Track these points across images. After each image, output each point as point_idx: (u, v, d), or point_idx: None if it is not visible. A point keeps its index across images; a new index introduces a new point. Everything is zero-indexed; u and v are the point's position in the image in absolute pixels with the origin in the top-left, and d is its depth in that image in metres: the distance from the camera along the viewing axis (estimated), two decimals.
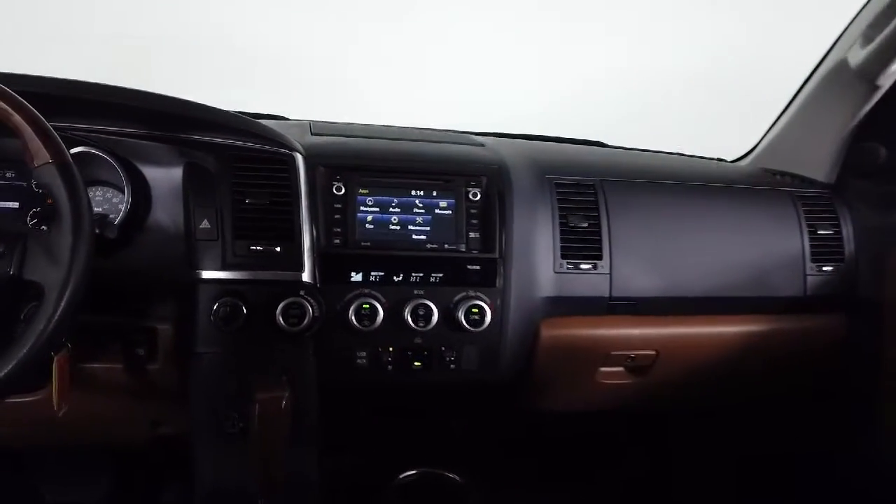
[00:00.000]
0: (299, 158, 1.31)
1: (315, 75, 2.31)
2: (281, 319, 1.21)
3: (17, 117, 0.97)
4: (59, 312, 0.93)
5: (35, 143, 0.97)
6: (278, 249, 1.26)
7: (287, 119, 1.75)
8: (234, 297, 1.21)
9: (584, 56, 2.55)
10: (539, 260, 1.39)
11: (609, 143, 1.94)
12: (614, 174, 1.51)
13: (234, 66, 2.29)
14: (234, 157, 1.28)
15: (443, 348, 1.33)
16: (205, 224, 1.25)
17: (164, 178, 1.27)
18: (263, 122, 1.67)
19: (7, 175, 1.25)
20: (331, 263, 1.28)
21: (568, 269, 1.40)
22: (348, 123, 1.67)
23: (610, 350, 1.47)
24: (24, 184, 1.25)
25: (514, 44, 2.52)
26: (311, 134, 1.47)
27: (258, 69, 2.32)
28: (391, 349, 1.31)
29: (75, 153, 1.24)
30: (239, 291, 1.22)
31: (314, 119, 1.75)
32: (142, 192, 1.26)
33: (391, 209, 1.34)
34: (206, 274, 1.23)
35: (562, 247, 1.40)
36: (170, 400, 1.31)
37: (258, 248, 1.25)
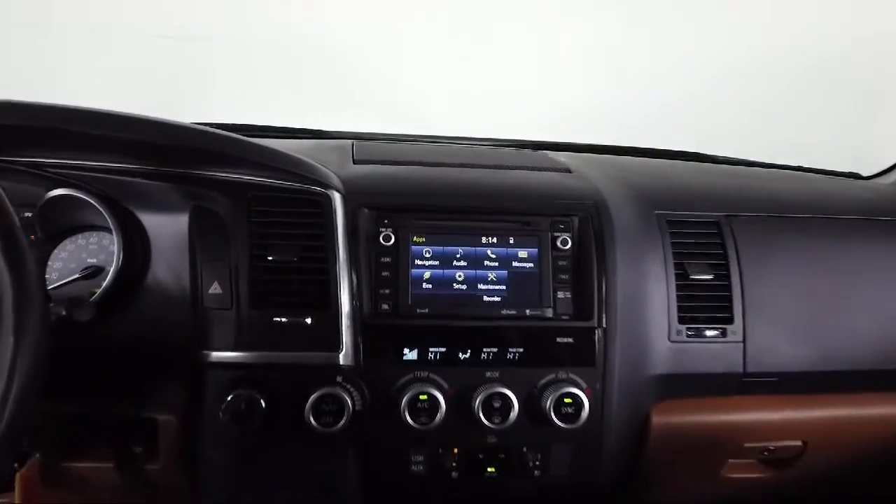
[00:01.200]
0: (337, 198, 1.01)
1: (356, 78, 2.02)
2: (312, 417, 0.91)
3: None
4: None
5: None
6: (309, 321, 0.96)
7: (327, 134, 1.47)
8: (251, 387, 0.92)
9: (647, 47, 2.17)
10: (650, 327, 1.05)
11: (708, 155, 1.59)
12: (742, 205, 1.16)
13: (270, 72, 2.03)
14: (253, 199, 0.99)
15: (524, 449, 1.01)
16: (215, 288, 0.96)
17: (166, 226, 0.99)
18: (300, 140, 1.41)
19: None
20: (377, 338, 0.98)
21: (688, 336, 1.06)
22: (396, 139, 1.36)
23: (742, 441, 1.12)
24: None
25: (567, 37, 2.16)
26: (354, 162, 1.18)
27: (297, 73, 2.05)
28: (456, 451, 0.99)
29: (54, 196, 0.98)
30: (257, 379, 0.94)
31: (357, 130, 1.46)
32: (138, 245, 0.99)
33: (455, 263, 1.03)
34: (217, 355, 0.94)
35: (679, 307, 1.06)
36: None
37: (283, 319, 0.96)
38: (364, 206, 1.02)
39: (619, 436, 1.03)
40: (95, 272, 1.03)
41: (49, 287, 1.01)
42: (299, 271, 0.97)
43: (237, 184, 1.00)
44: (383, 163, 1.16)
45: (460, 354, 0.99)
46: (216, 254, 0.97)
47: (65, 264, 1.04)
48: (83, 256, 1.04)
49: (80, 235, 1.05)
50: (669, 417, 1.08)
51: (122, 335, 0.97)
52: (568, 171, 1.22)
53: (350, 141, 1.34)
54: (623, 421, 1.03)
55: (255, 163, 0.99)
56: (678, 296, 1.06)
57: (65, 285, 1.01)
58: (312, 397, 0.91)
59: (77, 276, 1.01)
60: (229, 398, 0.91)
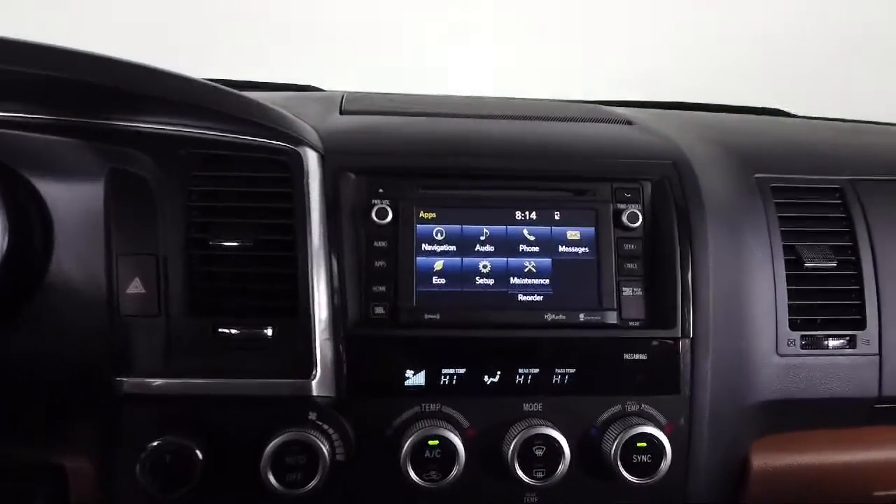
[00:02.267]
0: (311, 158, 0.71)
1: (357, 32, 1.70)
2: (271, 475, 0.63)
3: None
4: None
5: None
6: (269, 333, 0.68)
7: (321, 91, 1.17)
8: (184, 431, 0.64)
9: None
10: (752, 335, 0.74)
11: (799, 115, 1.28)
12: (871, 167, 0.85)
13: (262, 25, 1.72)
14: (191, 160, 0.71)
15: None
16: (136, 286, 0.68)
17: (74, 199, 0.71)
18: (285, 94, 1.12)
19: None
20: (367, 356, 0.69)
21: (803, 348, 0.76)
22: (396, 95, 1.06)
23: (871, 488, 0.82)
24: None
25: None
26: (341, 112, 0.88)
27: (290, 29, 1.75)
28: None
29: None
30: (193, 420, 0.65)
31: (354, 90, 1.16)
32: (35, 225, 0.71)
33: (479, 248, 0.73)
34: (136, 384, 0.66)
35: (791, 307, 0.76)
36: None
37: (232, 331, 0.67)
38: (350, 169, 0.73)
39: (709, 487, 0.74)
40: None
41: None
42: (256, 262, 0.69)
43: (169, 138, 0.70)
44: (380, 113, 0.87)
45: (486, 378, 0.70)
46: (139, 238, 0.69)
47: None
48: None
49: None
50: (775, 458, 0.78)
51: (12, 351, 0.70)
52: (629, 122, 0.91)
53: (342, 92, 1.04)
54: (714, 468, 0.74)
55: (194, 107, 0.70)
56: (789, 291, 0.76)
57: None
58: (272, 445, 0.63)
59: None
60: (151, 447, 0.63)
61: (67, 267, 0.71)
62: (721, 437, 0.73)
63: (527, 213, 0.74)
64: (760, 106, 1.29)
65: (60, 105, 0.70)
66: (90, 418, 0.71)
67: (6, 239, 0.68)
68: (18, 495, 0.72)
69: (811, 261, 0.77)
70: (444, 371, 0.69)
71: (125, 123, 0.71)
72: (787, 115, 1.27)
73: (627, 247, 0.74)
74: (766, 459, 0.78)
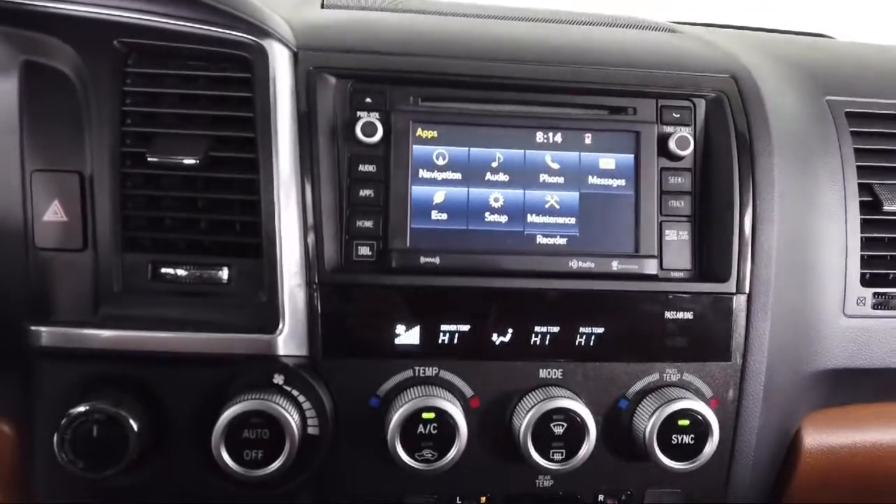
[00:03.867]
0: (279, 54, 0.56)
1: None
2: (224, 452, 0.51)
3: None
4: None
5: None
6: (224, 276, 0.54)
7: None
8: (114, 399, 0.51)
9: None
10: (817, 292, 0.61)
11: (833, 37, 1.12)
12: None
13: None
14: (127, 52, 0.55)
15: (600, 498, 0.60)
16: (55, 212, 0.54)
17: None
18: None
19: None
20: (348, 305, 0.55)
21: (874, 307, 0.63)
22: None
23: None
24: None
25: None
26: (323, 6, 0.72)
27: None
28: (483, 500, 0.59)
29: None
30: (127, 383, 0.52)
31: None
32: None
33: (489, 178, 0.59)
34: (54, 334, 0.53)
35: (864, 259, 0.63)
36: None
37: (177, 272, 0.54)
38: (329, 70, 0.57)
39: (756, 469, 0.62)
40: None
41: None
42: (208, 185, 0.54)
43: (96, 23, 0.55)
44: (370, 9, 0.71)
45: (494, 337, 0.57)
46: (59, 150, 0.54)
47: None
48: None
49: None
50: (830, 436, 0.66)
51: None
52: (672, 31, 0.75)
53: None
54: (764, 446, 0.62)
55: None
56: (863, 240, 0.63)
57: None
58: (226, 416, 0.50)
59: None
60: (72, 415, 0.50)
61: None
62: (773, 413, 0.61)
63: (550, 134, 0.59)
64: (804, 30, 1.14)
65: None
66: (4, 374, 0.58)
67: None
68: None
69: (891, 203, 0.64)
70: (444, 328, 0.56)
71: (41, 2, 0.55)
72: (828, 38, 1.11)
73: (674, 180, 0.60)
74: (820, 437, 0.66)
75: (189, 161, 0.53)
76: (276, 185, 0.53)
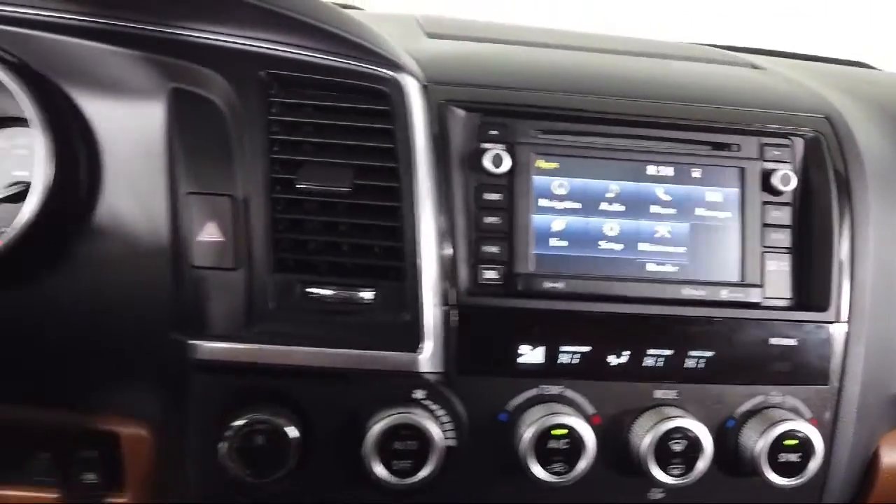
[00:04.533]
0: (413, 88, 0.60)
1: None
2: (377, 462, 0.54)
3: None
4: None
5: None
6: (368, 297, 0.58)
7: (362, 10, 1.02)
8: (271, 410, 0.54)
9: None
10: None
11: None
12: None
13: None
14: (273, 83, 0.59)
15: None
16: (209, 233, 0.57)
17: (128, 124, 0.59)
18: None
19: None
20: (479, 326, 0.58)
21: None
22: (475, 23, 0.91)
23: None
24: None
25: None
26: (427, 35, 0.75)
27: None
28: None
29: None
30: (282, 396, 0.56)
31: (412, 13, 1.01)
32: (80, 152, 0.59)
33: (604, 207, 0.63)
34: (209, 349, 0.57)
35: None
36: None
37: (324, 292, 0.57)
38: (458, 103, 0.61)
39: (842, 487, 0.67)
40: (24, 192, 0.64)
41: None
42: (353, 211, 0.58)
43: (246, 55, 0.58)
44: (477, 40, 0.74)
45: (611, 358, 0.61)
46: (212, 175, 0.57)
47: None
48: (4, 167, 0.65)
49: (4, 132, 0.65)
50: None
51: (54, 300, 0.59)
52: (753, 66, 0.80)
53: (412, 15, 0.91)
54: (852, 466, 0.66)
55: (276, 15, 0.57)
56: None
57: None
58: (378, 428, 0.54)
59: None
60: (237, 426, 0.53)
61: (119, 204, 0.59)
62: (863, 432, 0.65)
63: (661, 167, 0.63)
64: (844, 58, 1.19)
65: (115, 5, 0.57)
66: (149, 383, 0.60)
67: (54, 169, 0.56)
68: (68, 463, 0.62)
69: None
70: (564, 348, 0.59)
71: (191, 33, 0.58)
72: (873, 68, 1.16)
73: (775, 213, 0.64)
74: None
75: (338, 189, 0.56)
76: (416, 212, 0.57)
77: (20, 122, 0.62)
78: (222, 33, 0.58)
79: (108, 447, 0.63)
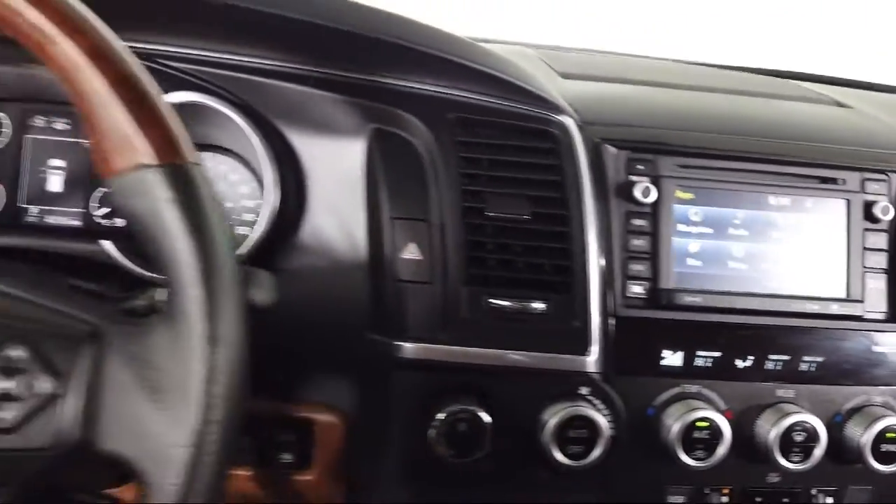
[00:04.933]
0: (572, 127, 0.70)
1: None
2: (556, 446, 0.65)
3: (67, 46, 0.40)
4: None
5: (121, 118, 0.40)
6: (541, 307, 0.68)
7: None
8: (467, 401, 0.65)
9: None
10: None
11: None
12: None
13: None
14: (459, 124, 0.69)
15: (813, 491, 0.75)
16: (411, 252, 0.67)
17: (331, 157, 0.69)
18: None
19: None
20: (630, 334, 0.69)
21: None
22: (592, 59, 1.01)
23: None
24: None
25: None
26: (560, 74, 0.85)
27: None
28: (727, 491, 0.73)
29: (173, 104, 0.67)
30: (474, 389, 0.66)
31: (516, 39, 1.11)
32: (290, 181, 0.69)
33: (732, 231, 0.73)
34: (412, 349, 0.67)
35: None
36: None
37: (503, 303, 0.68)
38: (611, 141, 0.72)
39: None
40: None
41: None
42: (531, 235, 0.68)
43: (437, 99, 0.68)
44: (607, 80, 0.84)
45: (738, 362, 0.71)
46: (411, 203, 0.67)
47: None
48: None
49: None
50: None
51: (268, 310, 0.69)
52: (839, 104, 0.90)
53: (528, 48, 1.01)
54: None
55: (465, 67, 0.68)
56: None
57: None
58: (558, 417, 0.64)
59: None
60: (444, 415, 0.63)
61: (322, 225, 0.70)
62: None
63: (780, 198, 0.74)
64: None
65: (327, 57, 0.67)
66: (344, 377, 0.71)
67: (278, 199, 0.66)
68: (266, 444, 0.73)
69: None
70: (700, 354, 0.70)
71: (393, 81, 0.68)
72: None
73: (873, 239, 0.74)
74: None
75: (520, 216, 0.66)
76: (585, 237, 0.67)
77: (217, 149, 0.73)
78: (419, 81, 0.68)
79: (303, 432, 0.74)
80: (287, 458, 0.74)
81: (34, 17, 0.39)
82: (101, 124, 0.40)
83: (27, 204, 0.72)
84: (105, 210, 0.73)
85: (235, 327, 0.41)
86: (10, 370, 0.38)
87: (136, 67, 0.41)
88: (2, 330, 0.39)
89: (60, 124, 0.73)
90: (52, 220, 0.73)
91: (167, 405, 0.39)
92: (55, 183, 0.73)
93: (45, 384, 0.38)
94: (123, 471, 0.40)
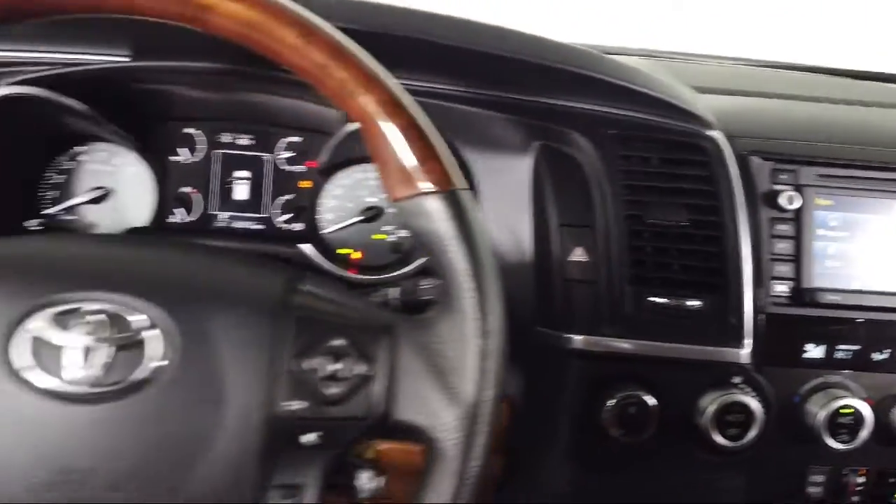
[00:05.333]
0: (721, 140, 0.78)
1: None
2: (713, 432, 0.73)
3: (366, 99, 0.49)
4: (468, 487, 0.48)
5: (405, 154, 0.49)
6: (697, 304, 0.76)
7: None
8: (636, 387, 0.73)
9: None
10: None
11: None
12: None
13: None
14: (618, 141, 0.77)
15: None
16: (578, 254, 0.75)
17: (500, 170, 0.77)
18: None
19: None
20: (777, 328, 0.76)
21: None
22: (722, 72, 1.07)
23: None
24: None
25: None
26: (694, 89, 0.92)
27: None
28: (864, 472, 0.80)
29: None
30: (639, 377, 0.74)
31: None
32: None
33: (867, 235, 0.79)
34: (582, 339, 0.75)
35: None
36: None
37: (662, 300, 0.75)
38: (758, 153, 0.78)
39: None
40: (376, 215, 0.83)
41: (322, 231, 0.82)
42: (687, 239, 0.76)
43: (597, 118, 0.76)
44: (740, 94, 0.91)
45: (875, 355, 0.78)
46: (577, 211, 0.75)
47: (339, 203, 0.84)
48: (360, 194, 0.84)
49: (357, 168, 0.84)
50: None
51: None
52: None
53: (639, 57, 1.08)
54: None
55: (626, 90, 0.75)
56: None
57: (342, 230, 0.82)
58: (717, 403, 0.72)
59: (359, 217, 0.82)
60: (616, 399, 0.72)
61: (490, 231, 0.78)
62: None
63: None
64: None
65: (498, 82, 0.76)
66: (515, 365, 0.80)
67: None
68: None
69: None
70: (840, 347, 0.77)
71: (559, 102, 0.77)
72: None
73: None
74: None
75: (678, 223, 0.74)
76: (738, 242, 0.74)
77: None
78: (583, 102, 0.76)
79: None
80: None
81: (341, 75, 0.48)
82: (391, 161, 0.49)
83: (218, 211, 0.83)
84: (287, 216, 0.84)
85: (499, 321, 0.49)
86: (336, 356, 0.48)
87: (419, 114, 0.50)
88: (328, 325, 0.49)
89: (244, 140, 0.84)
90: (238, 225, 0.84)
91: (449, 383, 0.48)
92: (241, 192, 0.84)
93: (361, 367, 0.48)
94: (415, 437, 0.49)
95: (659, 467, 0.76)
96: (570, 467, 0.78)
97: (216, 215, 0.83)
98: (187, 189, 0.81)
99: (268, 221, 0.83)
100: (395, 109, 0.49)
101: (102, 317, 0.46)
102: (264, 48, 0.48)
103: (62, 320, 0.46)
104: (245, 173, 0.83)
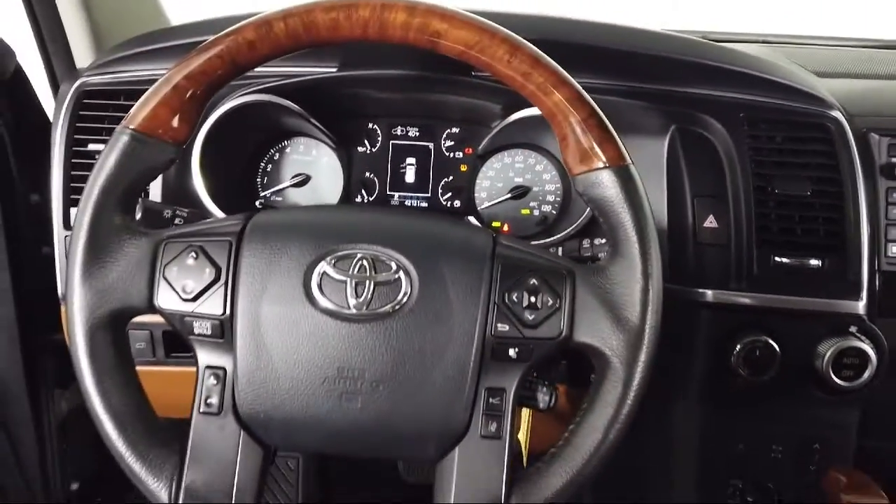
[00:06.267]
0: (844, 121, 0.87)
1: None
2: (830, 372, 0.84)
3: (559, 96, 0.64)
4: (631, 395, 0.63)
5: (586, 138, 0.64)
6: (819, 264, 0.86)
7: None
8: (762, 334, 0.86)
9: None
10: None
11: None
12: None
13: None
14: (748, 122, 0.88)
15: None
16: (710, 221, 0.88)
17: (638, 151, 0.89)
18: None
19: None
20: (889, 285, 0.86)
21: None
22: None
23: None
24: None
25: None
26: (817, 74, 1.01)
27: None
28: None
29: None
30: (763, 326, 0.86)
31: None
32: None
33: None
34: (713, 293, 0.87)
35: None
36: None
37: (785, 260, 0.87)
38: (874, 130, 0.88)
39: None
40: (523, 193, 0.98)
41: (479, 208, 0.97)
42: (810, 207, 0.86)
43: (727, 103, 0.88)
44: (856, 76, 1.00)
45: None
46: (708, 184, 0.88)
47: (492, 183, 0.98)
48: (509, 176, 0.98)
49: (506, 153, 0.99)
50: None
51: None
52: None
53: (758, 45, 1.17)
54: None
55: (750, 77, 0.86)
56: None
57: (494, 206, 0.97)
58: (835, 348, 0.83)
59: (509, 195, 0.97)
60: (743, 343, 0.84)
61: None
62: None
63: None
64: None
65: (641, 74, 0.89)
66: None
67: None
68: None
69: None
70: None
71: (695, 90, 0.89)
72: None
73: None
74: None
75: (802, 193, 0.85)
76: (861, 211, 0.85)
77: (526, 146, 0.96)
78: (715, 89, 0.88)
79: None
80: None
81: (540, 80, 0.64)
82: (574, 143, 0.64)
83: (391, 191, 1.01)
84: (448, 195, 1.00)
85: (658, 265, 0.64)
86: (532, 290, 0.64)
87: (594, 105, 0.65)
88: (526, 268, 0.65)
89: (413, 131, 1.00)
90: (409, 203, 1.01)
91: (619, 314, 0.63)
92: (410, 176, 1.00)
93: (550, 299, 0.64)
94: (591, 356, 0.65)
95: (780, 405, 0.88)
96: (699, 406, 0.91)
97: (392, 195, 1.00)
98: (369, 175, 0.98)
99: (432, 200, 0.99)
100: (580, 104, 0.64)
101: (367, 261, 0.64)
102: (480, 63, 0.64)
103: (340, 264, 0.64)
104: (413, 160, 0.99)
